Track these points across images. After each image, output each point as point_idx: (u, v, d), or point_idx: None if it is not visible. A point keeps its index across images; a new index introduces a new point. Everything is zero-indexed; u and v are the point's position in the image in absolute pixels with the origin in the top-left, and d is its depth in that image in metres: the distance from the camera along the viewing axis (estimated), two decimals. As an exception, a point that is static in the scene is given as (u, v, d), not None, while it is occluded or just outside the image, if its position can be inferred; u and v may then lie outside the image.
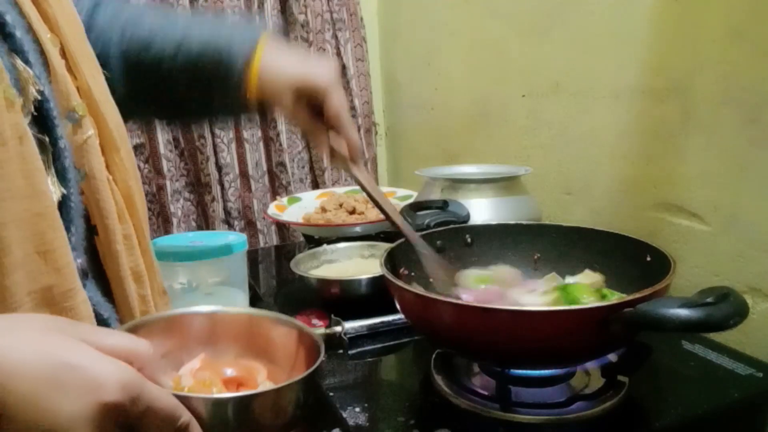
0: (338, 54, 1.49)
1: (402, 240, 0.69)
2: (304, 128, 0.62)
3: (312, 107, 0.60)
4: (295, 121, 0.62)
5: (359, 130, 1.54)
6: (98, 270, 0.40)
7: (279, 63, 0.59)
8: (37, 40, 0.37)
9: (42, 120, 0.36)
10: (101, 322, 0.39)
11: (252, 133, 1.42)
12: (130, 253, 0.41)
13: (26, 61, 0.35)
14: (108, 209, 0.39)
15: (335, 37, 1.48)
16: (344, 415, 0.55)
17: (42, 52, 0.37)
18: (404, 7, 1.47)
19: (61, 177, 0.37)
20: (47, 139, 0.36)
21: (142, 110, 0.65)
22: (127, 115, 0.62)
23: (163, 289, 0.46)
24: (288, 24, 1.43)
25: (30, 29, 0.36)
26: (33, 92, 0.35)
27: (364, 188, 0.65)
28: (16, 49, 0.34)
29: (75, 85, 0.39)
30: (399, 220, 0.66)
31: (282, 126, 1.45)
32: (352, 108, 1.53)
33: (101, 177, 0.39)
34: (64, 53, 0.38)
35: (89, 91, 0.40)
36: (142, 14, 0.59)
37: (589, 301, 0.59)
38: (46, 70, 0.37)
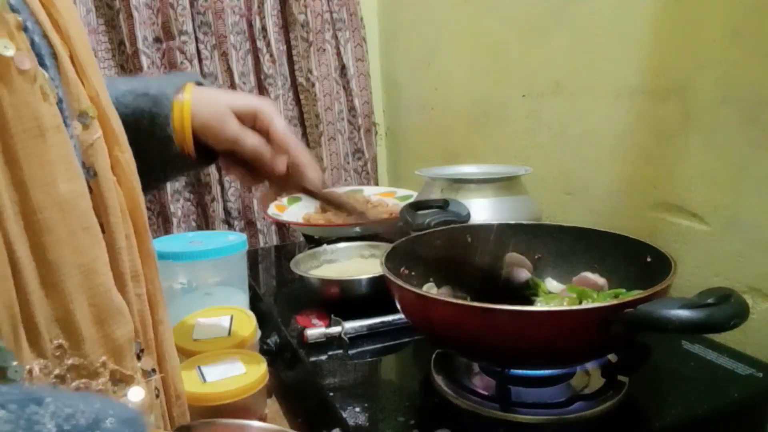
0: (338, 54, 1.49)
1: (402, 240, 0.69)
2: (254, 148, 0.56)
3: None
4: (242, 143, 0.56)
5: (359, 131, 1.54)
6: None
7: (212, 94, 0.57)
8: (51, 46, 0.38)
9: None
10: None
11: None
12: (129, 252, 0.42)
13: (42, 65, 0.36)
14: (113, 207, 0.41)
15: (335, 37, 1.48)
16: (344, 415, 0.55)
17: (55, 57, 0.38)
18: (404, 7, 1.47)
19: None
20: None
21: None
22: None
23: (160, 294, 0.46)
24: (288, 24, 1.43)
25: (45, 36, 0.38)
26: (50, 95, 0.36)
27: (319, 195, 0.61)
28: (35, 52, 0.36)
29: (85, 92, 0.41)
30: (358, 207, 0.64)
31: (282, 126, 1.44)
32: (352, 108, 1.53)
33: (108, 176, 0.41)
34: (72, 60, 0.40)
35: (97, 96, 0.41)
36: None
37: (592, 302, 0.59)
38: (59, 74, 0.38)
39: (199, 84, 0.59)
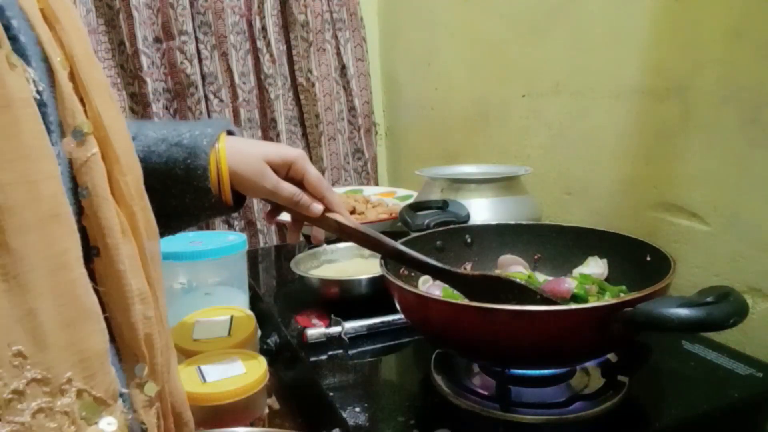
0: (338, 54, 1.49)
1: (403, 239, 0.69)
2: (289, 196, 0.60)
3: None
4: (278, 194, 0.60)
5: (359, 131, 1.54)
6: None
7: (246, 147, 0.59)
8: (45, 58, 0.37)
9: None
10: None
11: (252, 134, 1.42)
12: (134, 274, 0.40)
13: (27, 63, 0.35)
14: (110, 228, 0.39)
15: (335, 37, 1.48)
16: (344, 415, 0.55)
17: (49, 69, 0.37)
18: (404, 7, 1.47)
19: None
20: None
21: None
22: None
23: (166, 320, 0.45)
24: (288, 24, 1.43)
25: (38, 43, 0.37)
26: (31, 87, 0.35)
27: (359, 234, 0.63)
28: (18, 50, 0.34)
29: (83, 109, 0.39)
30: (404, 248, 0.64)
31: (282, 126, 1.45)
32: (352, 108, 1.53)
33: (104, 195, 0.39)
34: (73, 78, 0.38)
35: (98, 116, 0.39)
36: None
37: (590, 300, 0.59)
38: (51, 84, 0.37)
39: (230, 132, 0.61)
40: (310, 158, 1.51)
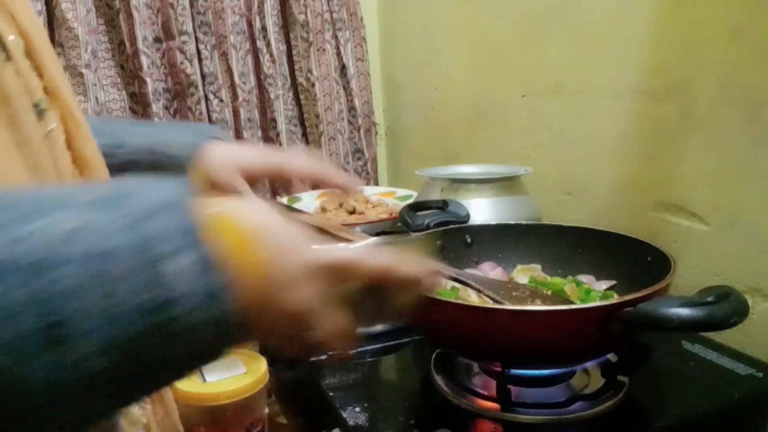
0: (338, 54, 1.49)
1: (403, 239, 0.69)
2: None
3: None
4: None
5: (359, 131, 1.54)
6: None
7: (223, 153, 0.57)
8: None
9: None
10: None
11: (252, 133, 1.42)
12: None
13: None
14: None
15: (335, 37, 1.48)
16: (344, 415, 0.55)
17: (3, 50, 0.37)
18: (404, 7, 1.47)
19: None
20: None
21: None
22: None
23: None
24: (288, 24, 1.43)
25: None
26: None
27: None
28: None
29: (40, 84, 0.39)
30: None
31: (282, 126, 1.45)
32: (352, 108, 1.53)
33: (66, 169, 0.39)
34: (30, 54, 0.39)
35: (56, 88, 0.40)
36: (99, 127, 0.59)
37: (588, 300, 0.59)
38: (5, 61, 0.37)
39: (216, 137, 0.59)
40: (310, 158, 1.51)
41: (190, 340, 0.25)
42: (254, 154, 0.58)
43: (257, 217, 0.30)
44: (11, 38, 0.37)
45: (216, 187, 0.56)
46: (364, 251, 0.34)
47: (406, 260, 0.36)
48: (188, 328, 0.25)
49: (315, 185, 0.60)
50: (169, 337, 0.25)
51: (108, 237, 0.24)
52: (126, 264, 0.24)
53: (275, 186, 1.47)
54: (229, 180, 0.56)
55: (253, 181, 0.57)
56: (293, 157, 0.58)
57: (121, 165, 0.53)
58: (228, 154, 0.57)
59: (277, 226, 0.30)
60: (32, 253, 0.23)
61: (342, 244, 0.35)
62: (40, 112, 0.38)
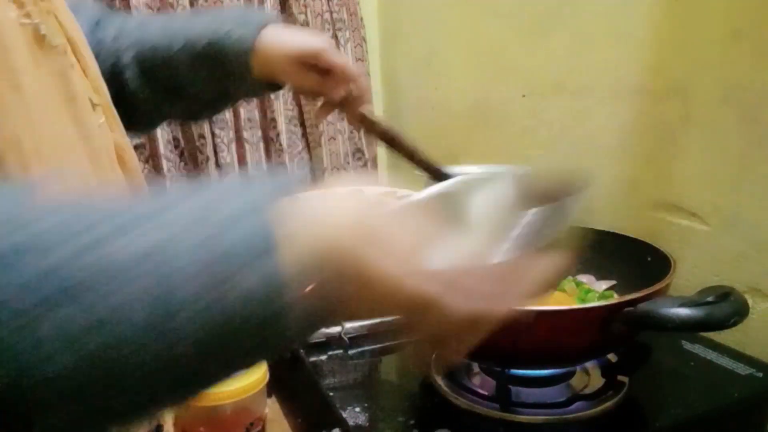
0: (338, 54, 1.49)
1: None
2: (314, 87, 0.62)
3: (316, 70, 0.62)
4: (303, 84, 0.62)
5: (359, 131, 1.54)
6: None
7: (278, 38, 0.60)
8: None
9: None
10: None
11: (252, 133, 1.42)
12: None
13: None
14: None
15: (335, 37, 1.48)
16: (344, 415, 0.55)
17: (65, 53, 0.41)
18: (404, 7, 1.47)
19: None
20: None
21: (167, 112, 0.67)
22: (153, 121, 0.73)
23: None
24: (288, 24, 1.43)
25: None
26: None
27: (379, 128, 0.66)
28: None
29: (89, 84, 0.43)
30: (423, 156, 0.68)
31: (282, 126, 1.45)
32: (352, 108, 1.53)
33: (113, 159, 0.43)
34: (76, 56, 0.42)
35: (99, 87, 0.44)
36: (147, 21, 0.62)
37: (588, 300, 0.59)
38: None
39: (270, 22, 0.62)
40: (310, 158, 1.51)
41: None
42: (302, 41, 0.61)
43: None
44: (60, 42, 0.40)
45: (269, 70, 0.60)
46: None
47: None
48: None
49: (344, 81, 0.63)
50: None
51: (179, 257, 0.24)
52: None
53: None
54: (281, 67, 0.60)
55: (303, 65, 0.60)
56: (334, 56, 0.61)
57: (189, 61, 0.58)
58: (280, 41, 0.60)
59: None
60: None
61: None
62: (94, 109, 0.42)
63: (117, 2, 1.23)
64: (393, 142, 0.66)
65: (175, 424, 0.48)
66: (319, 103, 0.66)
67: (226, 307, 0.23)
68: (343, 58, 0.63)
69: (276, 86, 0.64)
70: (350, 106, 0.64)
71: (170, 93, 0.62)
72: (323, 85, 0.62)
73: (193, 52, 0.58)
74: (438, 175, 0.66)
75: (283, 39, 0.61)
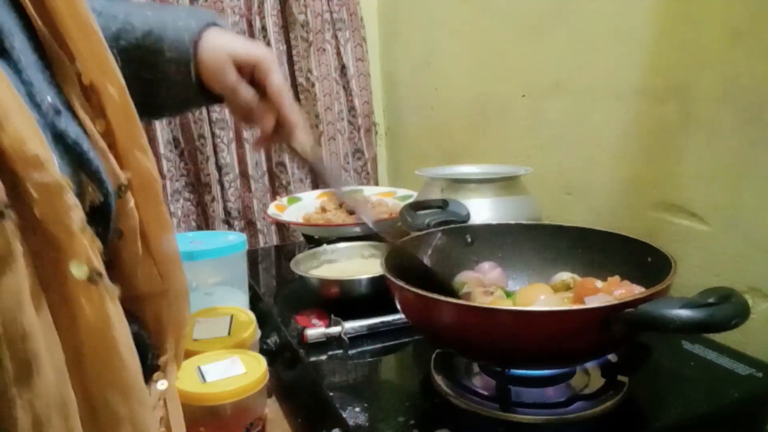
0: (338, 54, 1.49)
1: (403, 239, 0.69)
2: (245, 100, 0.58)
3: (253, 85, 0.59)
4: (236, 93, 0.58)
5: (359, 131, 1.54)
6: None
7: (220, 40, 0.58)
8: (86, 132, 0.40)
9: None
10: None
11: (252, 133, 1.42)
12: (148, 276, 0.45)
13: (90, 164, 0.39)
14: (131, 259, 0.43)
15: (335, 37, 1.48)
16: (344, 415, 0.55)
17: (87, 135, 0.40)
18: (404, 7, 1.47)
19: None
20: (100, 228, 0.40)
21: None
22: None
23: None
24: (288, 24, 1.43)
25: (76, 116, 0.40)
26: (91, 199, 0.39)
27: (303, 158, 0.62)
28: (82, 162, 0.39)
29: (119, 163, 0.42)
30: (335, 185, 0.65)
31: (282, 126, 1.45)
32: (352, 108, 1.53)
33: (134, 238, 0.43)
34: (110, 145, 0.41)
35: (138, 168, 0.43)
36: None
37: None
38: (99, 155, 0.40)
39: (215, 24, 0.59)
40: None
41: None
42: (245, 45, 0.58)
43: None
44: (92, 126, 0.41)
45: (206, 70, 0.57)
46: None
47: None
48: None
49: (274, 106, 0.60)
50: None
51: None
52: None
53: (275, 185, 1.47)
54: (221, 67, 0.57)
55: (241, 69, 0.58)
56: (273, 71, 0.59)
57: (127, 47, 0.55)
58: (225, 40, 0.58)
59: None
60: None
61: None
62: (120, 195, 0.44)
63: (117, 2, 1.23)
64: (322, 176, 0.64)
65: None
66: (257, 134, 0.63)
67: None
68: (279, 78, 0.59)
69: (210, 97, 0.60)
70: (283, 137, 0.60)
71: None
72: (255, 108, 0.58)
73: (127, 39, 0.55)
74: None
75: (228, 38, 0.58)
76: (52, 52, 0.39)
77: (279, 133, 0.60)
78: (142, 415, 0.38)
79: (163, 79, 0.57)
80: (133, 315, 0.44)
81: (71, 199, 0.34)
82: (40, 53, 0.39)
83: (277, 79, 0.59)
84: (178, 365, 0.49)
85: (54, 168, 0.33)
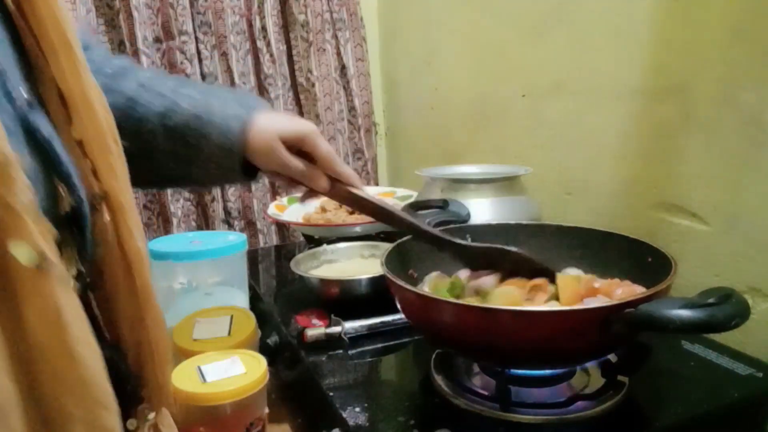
0: (338, 54, 1.49)
1: (403, 239, 0.69)
2: (298, 172, 0.62)
3: (300, 155, 0.62)
4: (288, 166, 0.61)
5: (359, 131, 1.54)
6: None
7: (267, 122, 0.60)
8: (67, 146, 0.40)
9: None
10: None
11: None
12: (132, 302, 0.44)
13: (61, 166, 0.38)
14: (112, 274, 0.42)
15: (335, 37, 1.48)
16: (344, 415, 0.55)
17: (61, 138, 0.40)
18: (404, 7, 1.47)
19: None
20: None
21: None
22: None
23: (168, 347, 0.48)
24: (288, 24, 1.43)
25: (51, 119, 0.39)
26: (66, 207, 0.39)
27: (371, 205, 0.65)
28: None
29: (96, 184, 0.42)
30: (416, 221, 0.66)
31: (282, 126, 1.45)
32: (352, 108, 1.53)
33: (111, 253, 0.42)
34: (84, 153, 0.41)
35: (116, 195, 0.42)
36: (129, 68, 0.60)
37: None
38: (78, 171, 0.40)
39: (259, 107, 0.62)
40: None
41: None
42: (290, 123, 0.61)
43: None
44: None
45: (253, 152, 0.60)
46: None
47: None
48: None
49: (326, 171, 0.63)
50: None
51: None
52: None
53: (275, 185, 1.47)
54: (270, 147, 0.59)
55: (289, 145, 0.61)
56: (320, 141, 0.62)
57: (174, 128, 0.57)
58: (269, 122, 0.60)
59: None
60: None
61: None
62: (94, 208, 0.43)
63: (117, 2, 1.23)
64: (385, 216, 0.65)
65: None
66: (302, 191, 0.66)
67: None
68: (327, 146, 0.62)
69: (249, 175, 0.63)
70: (342, 191, 0.64)
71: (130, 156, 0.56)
72: (307, 174, 0.62)
73: (174, 120, 0.57)
74: (440, 243, 0.66)
75: (273, 119, 0.61)
76: (31, 52, 0.39)
77: (335, 188, 0.63)
78: (103, 419, 0.36)
79: (203, 158, 0.59)
80: (113, 341, 0.43)
81: (19, 176, 0.32)
82: (20, 53, 0.38)
83: (325, 146, 0.62)
84: (165, 397, 0.48)
85: (4, 142, 0.31)
